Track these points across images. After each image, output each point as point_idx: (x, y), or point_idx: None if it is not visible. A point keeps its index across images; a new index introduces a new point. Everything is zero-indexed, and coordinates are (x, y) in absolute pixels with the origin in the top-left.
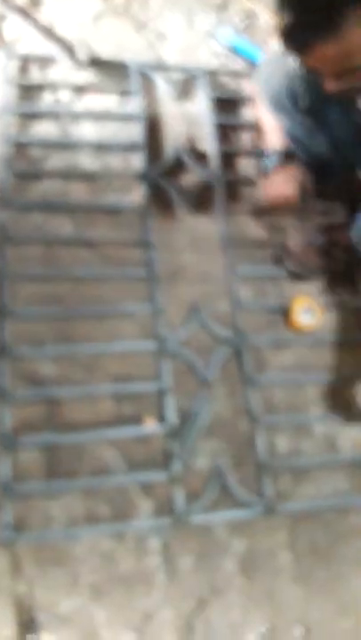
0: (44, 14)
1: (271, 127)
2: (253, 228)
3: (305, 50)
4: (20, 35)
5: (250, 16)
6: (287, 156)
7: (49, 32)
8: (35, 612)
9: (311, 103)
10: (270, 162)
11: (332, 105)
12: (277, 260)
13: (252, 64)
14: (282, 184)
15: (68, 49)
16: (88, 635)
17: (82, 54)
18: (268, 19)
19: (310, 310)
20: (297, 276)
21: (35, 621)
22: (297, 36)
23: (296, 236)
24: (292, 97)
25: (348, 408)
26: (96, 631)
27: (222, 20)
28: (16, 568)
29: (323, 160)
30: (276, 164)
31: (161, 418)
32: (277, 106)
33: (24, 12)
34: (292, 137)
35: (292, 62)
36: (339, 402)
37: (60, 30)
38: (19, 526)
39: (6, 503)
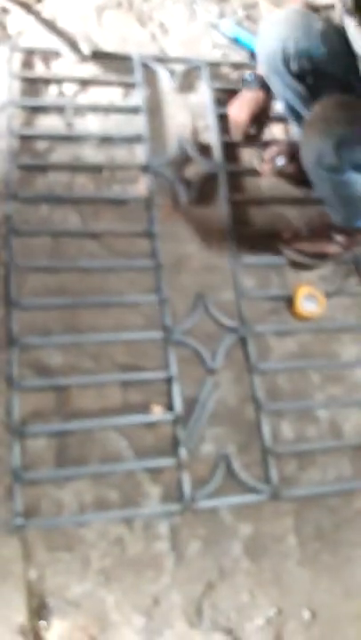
0: (48, 8)
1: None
2: (256, 218)
3: None
4: (23, 28)
5: (251, 7)
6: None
7: (52, 25)
8: (46, 598)
9: (301, 69)
10: (249, 77)
11: (326, 81)
12: (278, 250)
13: (253, 55)
14: (237, 108)
15: (72, 42)
16: (98, 619)
17: (85, 47)
18: (269, 9)
19: (313, 298)
20: (298, 265)
21: (46, 607)
22: None
23: (291, 227)
24: (285, 60)
25: None
26: (106, 615)
27: (224, 12)
28: (27, 554)
29: None
30: (248, 85)
31: (168, 405)
32: (271, 67)
33: (27, 6)
34: (284, 101)
35: (288, 26)
36: None
37: (63, 24)
38: (29, 513)
39: (17, 490)
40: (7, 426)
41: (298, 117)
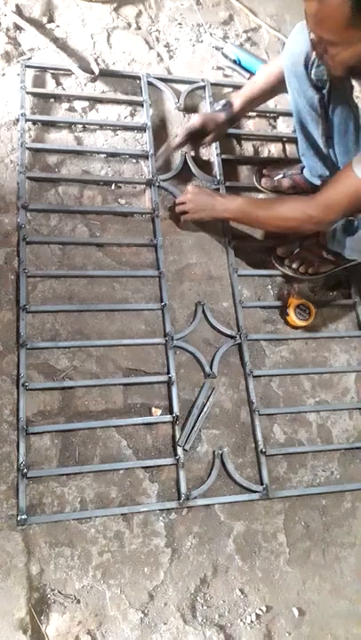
0: (59, 27)
1: (244, 90)
2: (254, 233)
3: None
4: (35, 46)
5: (253, 31)
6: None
7: (63, 44)
8: (46, 592)
9: (320, 79)
10: (217, 105)
11: (340, 97)
12: (273, 264)
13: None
14: (199, 117)
15: (82, 61)
16: (96, 614)
17: (95, 66)
18: (272, 34)
19: (305, 308)
20: (292, 278)
21: (46, 601)
22: None
23: (286, 243)
24: (307, 65)
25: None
26: (104, 610)
27: (227, 35)
28: (29, 549)
29: (316, 149)
30: (216, 109)
31: (167, 408)
32: (292, 70)
33: (39, 25)
34: (295, 111)
35: None
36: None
37: (74, 42)
38: (32, 509)
39: (21, 487)
40: (14, 424)
41: (303, 130)
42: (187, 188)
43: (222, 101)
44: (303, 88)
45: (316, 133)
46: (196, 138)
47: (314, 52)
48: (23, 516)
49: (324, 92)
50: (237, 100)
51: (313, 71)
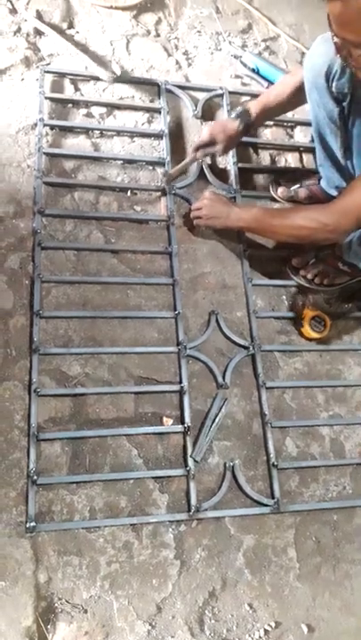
0: (79, 33)
1: (261, 98)
2: (269, 242)
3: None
4: (54, 51)
5: (272, 40)
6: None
7: (83, 50)
8: (54, 602)
9: (340, 92)
10: (234, 113)
11: (357, 114)
12: (288, 275)
13: (271, 85)
14: (207, 128)
15: (101, 66)
16: (103, 625)
17: (113, 72)
18: (291, 43)
19: (320, 320)
20: (306, 289)
21: (53, 610)
22: None
23: (302, 254)
24: (328, 77)
25: None
26: (111, 621)
27: (246, 44)
28: (37, 557)
29: (334, 160)
30: (232, 116)
31: (179, 418)
32: (313, 82)
33: (59, 30)
34: (314, 122)
35: None
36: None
37: (94, 49)
38: (42, 516)
39: (31, 494)
40: (25, 431)
41: (322, 141)
42: (204, 193)
43: (238, 108)
44: (324, 100)
45: (335, 145)
46: (207, 149)
47: (336, 64)
48: (32, 524)
49: (345, 104)
50: (254, 108)
51: (334, 84)
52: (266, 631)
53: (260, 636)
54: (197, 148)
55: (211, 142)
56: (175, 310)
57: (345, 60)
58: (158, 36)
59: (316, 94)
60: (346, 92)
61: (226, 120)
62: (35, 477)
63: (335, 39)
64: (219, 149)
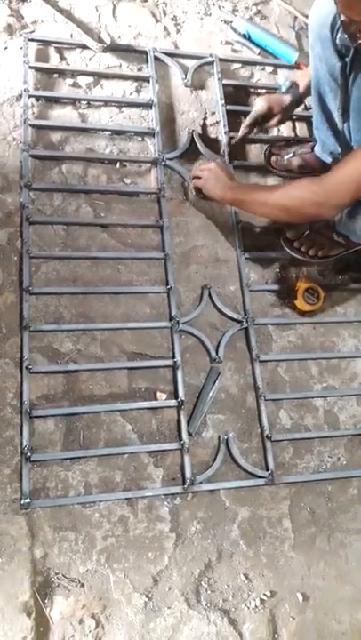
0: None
1: (306, 71)
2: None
3: None
4: (38, 18)
5: (263, 4)
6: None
7: (68, 17)
8: (50, 576)
9: (344, 45)
10: (284, 85)
11: (359, 71)
12: (282, 247)
13: (264, 51)
14: (264, 100)
15: (87, 34)
16: (100, 598)
17: (100, 40)
18: (283, 7)
19: (313, 292)
20: (300, 261)
21: (50, 585)
22: None
23: (296, 225)
24: (333, 29)
25: None
26: (108, 594)
27: (237, 8)
28: (33, 533)
29: (330, 122)
30: (283, 90)
31: (172, 392)
32: (317, 34)
33: None
34: (315, 78)
35: None
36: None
37: (79, 15)
38: (36, 493)
39: (25, 470)
40: (17, 408)
41: (320, 101)
42: (216, 159)
43: (287, 83)
44: (326, 54)
45: (333, 105)
46: (261, 122)
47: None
48: (27, 500)
49: (347, 59)
50: (302, 81)
51: (338, 35)
52: (262, 600)
53: (255, 606)
54: (255, 120)
55: (268, 113)
56: (167, 285)
57: (353, 38)
58: (146, 0)
59: (320, 47)
60: (349, 45)
61: (278, 94)
62: (28, 454)
63: (342, 17)
64: (274, 122)
